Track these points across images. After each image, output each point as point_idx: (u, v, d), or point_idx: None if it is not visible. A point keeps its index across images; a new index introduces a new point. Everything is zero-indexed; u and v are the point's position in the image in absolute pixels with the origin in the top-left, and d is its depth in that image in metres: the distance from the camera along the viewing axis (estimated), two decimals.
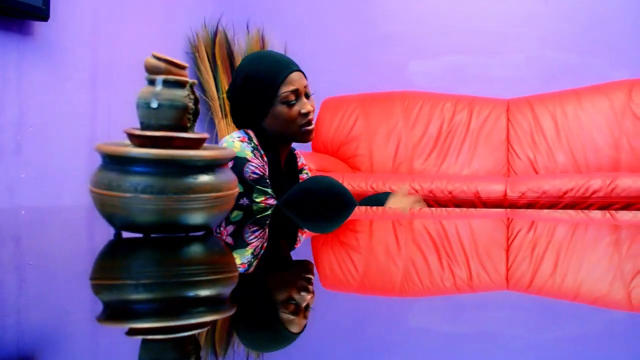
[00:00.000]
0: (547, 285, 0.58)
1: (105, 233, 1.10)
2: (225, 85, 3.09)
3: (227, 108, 3.09)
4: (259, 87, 1.41)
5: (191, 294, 0.59)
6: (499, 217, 1.63)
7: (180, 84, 0.66)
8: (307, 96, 1.47)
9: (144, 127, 0.66)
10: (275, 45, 3.23)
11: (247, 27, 3.23)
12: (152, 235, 0.67)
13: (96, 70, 2.46)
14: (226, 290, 0.61)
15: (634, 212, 2.05)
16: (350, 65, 3.29)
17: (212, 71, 3.08)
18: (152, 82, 0.66)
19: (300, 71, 1.48)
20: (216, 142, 3.26)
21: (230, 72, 3.10)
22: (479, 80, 3.11)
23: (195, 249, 0.67)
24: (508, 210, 2.07)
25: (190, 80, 0.66)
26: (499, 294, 0.57)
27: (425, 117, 2.89)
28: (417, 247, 0.89)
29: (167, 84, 0.65)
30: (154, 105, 0.64)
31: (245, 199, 1.06)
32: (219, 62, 3.08)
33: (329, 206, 1.42)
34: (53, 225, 1.18)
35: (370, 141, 2.89)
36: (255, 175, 1.38)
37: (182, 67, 0.67)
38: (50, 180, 2.23)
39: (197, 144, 0.67)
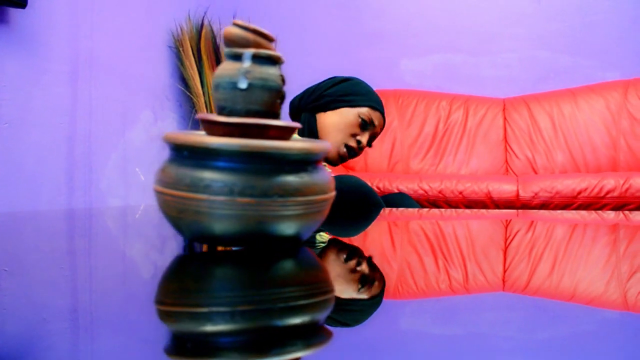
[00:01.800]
0: (543, 286, 0.56)
1: (84, 239, 0.97)
2: (210, 81, 2.93)
3: (213, 105, 2.94)
4: (352, 89, 1.42)
5: (285, 323, 0.47)
6: (510, 218, 1.57)
7: (273, 60, 0.53)
8: (369, 142, 1.48)
9: (226, 112, 0.53)
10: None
11: None
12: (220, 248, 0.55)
13: (77, 63, 2.27)
14: (322, 316, 0.50)
15: None
16: (340, 62, 3.18)
17: (197, 66, 2.92)
18: (236, 57, 0.53)
19: (384, 123, 1.49)
20: None
21: (215, 67, 2.95)
22: (471, 79, 3.06)
23: (290, 266, 0.54)
24: (520, 211, 2.00)
25: (282, 57, 0.54)
26: (494, 295, 0.54)
27: (421, 115, 2.81)
28: (413, 248, 0.84)
29: (257, 59, 0.52)
30: (243, 85, 0.51)
31: None
32: (204, 57, 2.92)
33: (355, 207, 1.32)
34: (29, 230, 1.06)
35: None
36: None
37: (271, 40, 0.54)
38: (26, 182, 2.04)
39: (289, 134, 0.55)
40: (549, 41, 3.00)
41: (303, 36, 3.14)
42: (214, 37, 2.96)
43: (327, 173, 0.56)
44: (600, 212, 2.07)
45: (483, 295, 0.55)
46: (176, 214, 0.51)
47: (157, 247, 0.86)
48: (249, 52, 0.52)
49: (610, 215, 1.87)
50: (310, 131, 1.44)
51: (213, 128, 0.53)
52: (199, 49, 2.92)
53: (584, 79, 2.91)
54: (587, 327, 0.43)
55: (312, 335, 0.46)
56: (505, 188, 2.10)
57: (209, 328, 0.46)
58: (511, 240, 0.95)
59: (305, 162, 0.52)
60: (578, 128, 2.64)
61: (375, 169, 2.70)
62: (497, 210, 2.05)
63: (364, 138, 1.42)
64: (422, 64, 3.13)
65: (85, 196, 2.36)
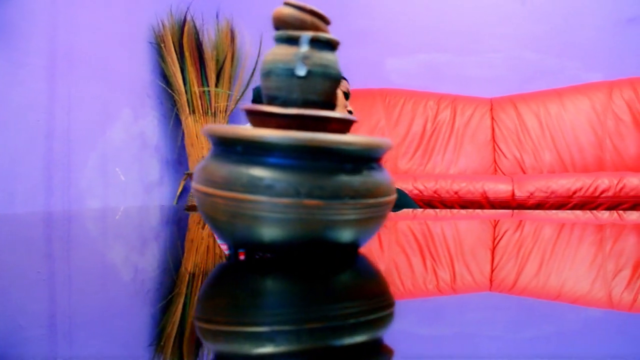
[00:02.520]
0: (530, 286, 0.56)
1: (63, 242, 0.92)
2: (193, 78, 2.84)
3: (196, 103, 2.84)
4: None
5: (354, 340, 0.42)
6: (506, 219, 1.56)
7: (332, 45, 0.47)
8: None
9: (279, 102, 0.47)
10: (247, 38, 3.02)
11: (217, 17, 3.00)
12: (253, 255, 0.48)
13: (55, 57, 2.17)
14: (383, 332, 0.44)
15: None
16: None
17: (179, 63, 2.83)
18: (291, 41, 0.47)
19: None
20: (183, 141, 3.00)
21: (199, 64, 2.86)
22: (457, 78, 3.04)
23: (354, 276, 0.48)
24: (516, 211, 1.98)
25: (339, 41, 0.48)
26: (481, 295, 0.54)
27: (408, 115, 2.78)
28: (401, 248, 0.83)
29: (315, 43, 0.46)
30: (302, 72, 0.45)
31: None
32: (187, 54, 2.83)
33: None
34: (4, 233, 1.01)
35: None
36: None
37: (328, 23, 0.48)
38: (1, 183, 1.93)
39: (348, 128, 0.49)
40: (534, 42, 3.00)
41: None
42: (196, 33, 2.87)
43: (387, 172, 0.50)
44: (595, 211, 2.07)
45: (470, 296, 0.54)
46: (227, 218, 0.44)
47: (138, 250, 0.82)
48: (306, 35, 0.46)
49: (604, 215, 1.87)
50: None
51: (265, 120, 0.46)
52: (181, 45, 2.83)
53: (568, 79, 2.92)
54: (572, 326, 0.42)
55: (376, 353, 0.41)
56: (500, 188, 2.08)
57: (270, 349, 0.40)
58: (499, 240, 0.95)
59: (371, 159, 0.46)
60: (565, 128, 2.64)
61: None
62: (492, 211, 2.02)
63: (350, 106, 1.45)
64: (408, 63, 3.10)
65: (63, 197, 2.25)
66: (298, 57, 0.45)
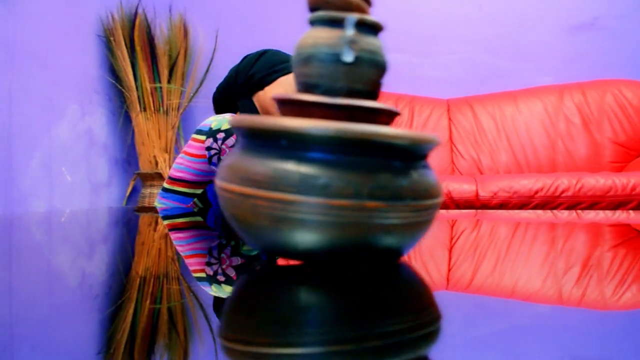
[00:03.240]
0: (485, 284, 0.56)
1: (3, 247, 0.84)
2: (144, 74, 2.71)
3: (147, 100, 2.72)
4: (276, 58, 1.35)
5: (414, 356, 0.38)
6: (470, 218, 1.58)
7: (376, 29, 0.43)
8: None
9: (320, 91, 0.41)
10: (200, 33, 2.91)
11: (170, 11, 2.88)
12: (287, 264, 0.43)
13: None
14: (430, 349, 0.40)
15: (596, 211, 2.09)
16: None
17: (129, 58, 2.70)
18: (333, 23, 0.42)
19: None
20: (133, 139, 2.86)
21: (150, 59, 2.73)
22: (413, 79, 3.06)
23: (399, 288, 0.44)
24: (479, 211, 2.00)
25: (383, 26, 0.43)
26: (438, 294, 0.53)
27: None
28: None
29: (361, 27, 0.41)
30: (349, 58, 0.40)
31: None
32: (137, 49, 2.70)
33: None
34: None
35: None
36: None
37: (371, 4, 0.44)
38: None
39: (392, 120, 0.44)
40: (489, 45, 3.06)
41: (247, 33, 3.00)
42: (148, 28, 2.74)
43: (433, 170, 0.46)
44: (555, 211, 2.12)
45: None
46: (269, 223, 0.38)
47: (85, 254, 0.78)
48: (352, 17, 0.41)
49: (564, 214, 1.91)
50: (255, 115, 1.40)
51: (305, 111, 0.41)
52: (132, 39, 2.70)
53: (521, 82, 3.00)
54: (523, 322, 0.43)
55: None
56: (465, 188, 2.09)
57: None
58: (456, 240, 0.96)
59: (424, 156, 0.42)
60: (520, 129, 2.70)
61: None
62: (457, 211, 2.03)
63: None
64: None
65: (4, 199, 2.09)
66: (344, 41, 0.40)
